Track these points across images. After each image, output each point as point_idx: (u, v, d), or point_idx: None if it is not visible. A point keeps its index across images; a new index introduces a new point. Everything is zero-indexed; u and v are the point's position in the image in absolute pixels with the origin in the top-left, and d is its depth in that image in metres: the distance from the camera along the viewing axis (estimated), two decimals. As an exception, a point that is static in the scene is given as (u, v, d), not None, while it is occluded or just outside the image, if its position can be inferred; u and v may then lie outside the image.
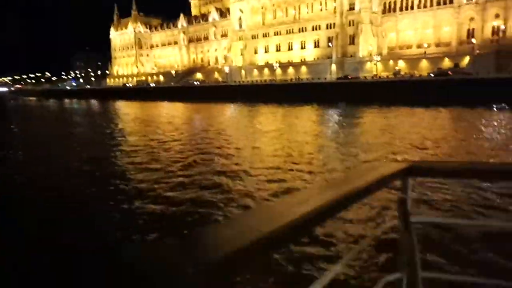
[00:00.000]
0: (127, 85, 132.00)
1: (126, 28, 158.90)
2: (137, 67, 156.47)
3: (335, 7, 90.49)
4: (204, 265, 0.63)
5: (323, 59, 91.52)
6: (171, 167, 18.33)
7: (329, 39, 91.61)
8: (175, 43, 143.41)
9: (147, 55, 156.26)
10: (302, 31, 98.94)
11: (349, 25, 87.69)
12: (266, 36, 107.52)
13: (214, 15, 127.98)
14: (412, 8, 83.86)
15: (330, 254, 8.37)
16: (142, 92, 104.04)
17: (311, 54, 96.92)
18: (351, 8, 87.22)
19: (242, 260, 0.71)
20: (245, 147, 23.34)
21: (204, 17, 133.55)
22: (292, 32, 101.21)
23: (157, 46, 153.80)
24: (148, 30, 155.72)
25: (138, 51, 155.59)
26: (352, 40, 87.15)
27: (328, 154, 20.65)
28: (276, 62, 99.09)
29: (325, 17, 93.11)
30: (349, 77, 73.42)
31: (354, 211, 10.35)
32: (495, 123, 31.90)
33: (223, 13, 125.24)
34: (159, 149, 23.88)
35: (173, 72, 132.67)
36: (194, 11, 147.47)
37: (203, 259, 0.66)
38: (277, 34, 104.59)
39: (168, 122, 42.20)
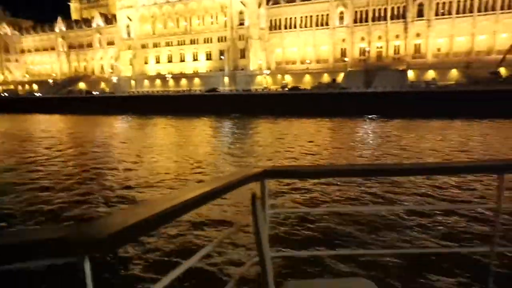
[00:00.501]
0: (2, 94, 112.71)
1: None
2: (3, 74, 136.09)
3: (225, 21, 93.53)
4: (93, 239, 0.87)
5: (215, 71, 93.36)
6: (62, 184, 16.71)
7: (221, 52, 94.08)
8: (52, 48, 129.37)
9: (16, 60, 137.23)
10: (194, 43, 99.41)
11: (240, 39, 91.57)
12: (157, 46, 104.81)
13: (98, 21, 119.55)
14: (295, 27, 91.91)
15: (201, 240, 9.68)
16: (11, 103, 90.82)
17: (203, 66, 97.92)
18: (241, 23, 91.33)
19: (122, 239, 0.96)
20: (144, 161, 22.54)
21: (87, 22, 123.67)
22: (184, 43, 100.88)
23: (29, 51, 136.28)
24: (17, 33, 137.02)
25: (4, 56, 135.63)
26: (243, 54, 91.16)
27: (227, 164, 21.35)
28: (169, 73, 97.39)
29: (217, 30, 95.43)
30: (217, 90, 77.28)
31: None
32: (366, 131, 37.17)
33: (109, 19, 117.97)
34: (46, 165, 21.43)
35: (50, 81, 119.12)
36: (74, 15, 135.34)
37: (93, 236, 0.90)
38: (169, 45, 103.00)
39: (51, 136, 37.95)
